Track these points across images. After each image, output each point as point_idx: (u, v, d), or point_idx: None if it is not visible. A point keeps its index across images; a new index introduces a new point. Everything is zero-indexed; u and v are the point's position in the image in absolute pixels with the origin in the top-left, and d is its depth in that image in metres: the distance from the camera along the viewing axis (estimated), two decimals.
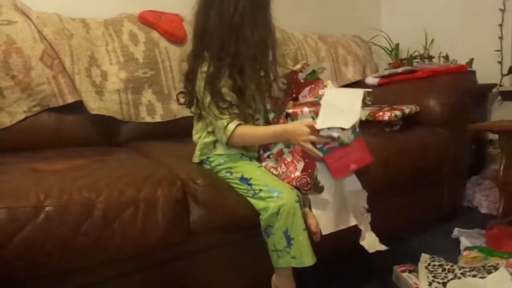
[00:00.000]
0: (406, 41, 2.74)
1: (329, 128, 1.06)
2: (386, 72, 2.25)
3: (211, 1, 1.13)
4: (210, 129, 1.21)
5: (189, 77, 1.19)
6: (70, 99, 1.55)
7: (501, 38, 2.33)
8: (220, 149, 1.21)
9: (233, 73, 1.13)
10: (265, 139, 1.19)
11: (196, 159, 1.25)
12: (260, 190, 1.10)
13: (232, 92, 1.14)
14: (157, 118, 1.71)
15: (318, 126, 1.07)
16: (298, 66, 1.28)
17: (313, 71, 1.28)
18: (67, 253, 0.92)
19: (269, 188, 1.09)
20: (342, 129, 1.06)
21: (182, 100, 1.25)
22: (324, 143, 1.09)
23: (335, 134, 1.07)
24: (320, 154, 1.10)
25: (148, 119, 1.70)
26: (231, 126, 1.11)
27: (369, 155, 1.17)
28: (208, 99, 1.12)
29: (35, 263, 0.90)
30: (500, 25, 2.32)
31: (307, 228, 1.13)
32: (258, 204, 1.10)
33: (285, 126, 1.17)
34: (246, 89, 1.14)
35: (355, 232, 1.27)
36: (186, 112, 1.67)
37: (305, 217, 1.15)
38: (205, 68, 1.13)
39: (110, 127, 1.65)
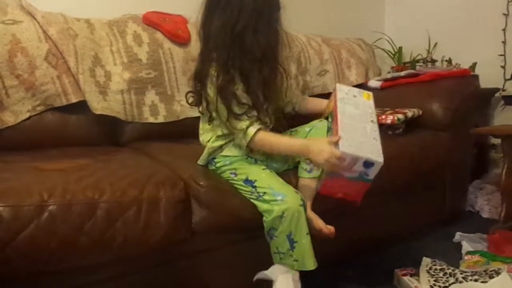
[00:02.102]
0: (409, 45, 2.74)
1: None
2: (389, 76, 2.26)
3: (214, 6, 1.14)
4: (220, 132, 1.21)
5: (198, 77, 1.18)
6: (74, 99, 1.56)
7: (504, 42, 2.33)
8: (226, 151, 1.22)
9: (242, 79, 1.14)
10: (286, 151, 1.18)
11: (202, 161, 1.26)
12: (265, 193, 1.10)
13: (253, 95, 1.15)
14: (160, 119, 1.71)
15: (343, 149, 1.03)
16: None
17: None
18: (70, 252, 0.93)
19: (274, 191, 1.09)
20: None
21: (190, 100, 1.25)
22: (343, 168, 1.06)
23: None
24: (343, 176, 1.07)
25: (151, 119, 1.70)
26: (252, 130, 1.11)
27: (360, 199, 1.15)
28: (223, 111, 1.12)
29: (38, 261, 0.90)
30: (504, 30, 2.32)
31: (319, 232, 1.14)
32: (261, 206, 1.10)
33: (309, 143, 1.12)
34: (253, 96, 1.14)
35: (355, 235, 1.27)
36: (189, 113, 1.70)
37: (312, 222, 1.16)
38: (213, 72, 1.13)
39: (114, 127, 1.66)
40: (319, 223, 1.18)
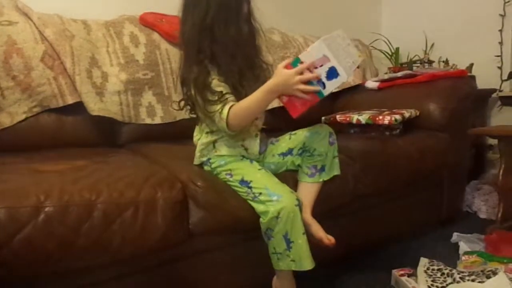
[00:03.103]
0: (406, 45, 2.75)
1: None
2: (386, 76, 2.26)
3: (187, 7, 1.17)
4: (207, 129, 1.22)
5: (182, 81, 1.20)
6: (70, 100, 1.55)
7: (501, 43, 2.34)
8: (220, 150, 1.21)
9: (217, 71, 1.14)
10: (259, 104, 1.13)
11: (196, 160, 1.26)
12: (260, 193, 1.10)
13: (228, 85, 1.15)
14: (157, 120, 1.71)
15: (321, 43, 1.02)
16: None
17: None
18: (66, 253, 0.92)
19: (269, 191, 1.09)
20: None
21: (181, 105, 1.25)
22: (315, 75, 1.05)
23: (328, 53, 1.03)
24: (318, 87, 1.05)
25: (148, 120, 1.70)
26: (225, 110, 1.11)
27: (299, 113, 1.10)
28: (201, 102, 1.14)
29: (35, 263, 0.90)
30: (500, 31, 2.33)
31: (318, 241, 1.14)
32: (258, 207, 1.10)
33: (271, 81, 1.09)
34: (230, 85, 1.14)
35: (353, 235, 1.27)
36: (186, 114, 1.69)
37: (311, 228, 1.16)
38: (191, 74, 1.15)
39: (110, 128, 1.66)
40: (320, 233, 1.16)
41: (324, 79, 1.06)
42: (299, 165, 1.27)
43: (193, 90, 1.14)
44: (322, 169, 1.24)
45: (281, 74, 1.07)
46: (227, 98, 1.12)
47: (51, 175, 1.05)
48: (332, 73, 1.05)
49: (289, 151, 1.27)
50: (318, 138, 1.23)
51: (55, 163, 1.19)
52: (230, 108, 1.10)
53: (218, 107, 1.11)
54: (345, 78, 1.06)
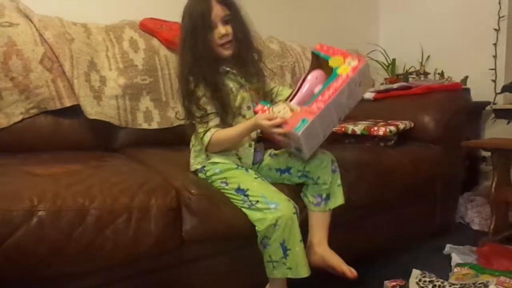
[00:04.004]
0: (402, 57, 2.77)
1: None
2: (382, 87, 2.28)
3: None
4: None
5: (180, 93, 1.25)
6: (68, 103, 1.56)
7: (495, 57, 2.36)
8: (213, 157, 1.22)
9: (206, 88, 1.19)
10: (240, 137, 1.21)
11: (192, 168, 1.27)
12: (257, 201, 1.10)
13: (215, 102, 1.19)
14: (154, 125, 1.72)
15: (300, 132, 1.06)
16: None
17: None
18: (58, 258, 0.92)
19: (267, 199, 1.09)
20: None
21: (179, 115, 1.29)
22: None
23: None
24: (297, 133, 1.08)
25: (145, 125, 1.70)
26: (207, 136, 1.18)
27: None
28: (189, 116, 1.21)
29: (26, 267, 0.90)
30: (495, 44, 2.36)
31: (341, 274, 1.15)
32: (254, 215, 1.10)
33: (252, 119, 1.16)
34: (215, 104, 1.19)
35: (345, 246, 1.27)
36: (183, 120, 1.69)
37: (332, 261, 1.18)
38: (183, 84, 1.21)
39: (107, 132, 1.66)
40: (343, 266, 1.16)
41: (293, 149, 1.18)
42: (303, 193, 1.27)
43: (184, 101, 1.20)
44: (328, 197, 1.24)
45: (261, 123, 1.11)
46: (209, 121, 1.18)
47: (45, 178, 1.05)
48: (298, 150, 1.16)
49: (287, 169, 1.28)
50: (321, 166, 1.23)
51: (50, 166, 1.19)
52: (212, 135, 1.17)
53: (201, 130, 1.19)
54: (307, 156, 1.18)
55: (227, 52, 1.21)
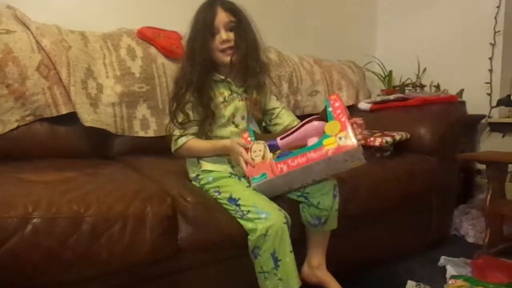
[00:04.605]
0: (399, 69, 2.79)
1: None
2: (378, 98, 2.29)
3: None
4: None
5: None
6: (64, 110, 1.55)
7: (491, 71, 2.39)
8: (206, 165, 1.23)
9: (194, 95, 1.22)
10: (211, 154, 1.23)
11: (190, 176, 1.28)
12: (249, 211, 1.10)
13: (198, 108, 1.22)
14: (150, 133, 1.71)
15: (255, 184, 1.14)
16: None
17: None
18: (53, 265, 0.91)
19: (258, 209, 1.09)
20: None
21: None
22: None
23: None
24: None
25: (141, 133, 1.70)
26: (181, 140, 1.22)
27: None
28: (172, 116, 1.24)
29: (21, 274, 0.89)
30: (490, 59, 2.38)
31: None
32: (246, 225, 1.10)
33: (225, 142, 1.21)
34: (199, 112, 1.22)
35: (340, 257, 1.27)
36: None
37: (329, 286, 1.22)
38: (175, 89, 1.26)
39: (103, 140, 1.65)
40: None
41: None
42: (301, 209, 1.26)
43: (171, 103, 1.24)
44: (326, 222, 1.24)
45: (234, 148, 1.17)
46: (188, 128, 1.22)
47: (40, 185, 1.04)
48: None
49: None
50: (322, 191, 1.21)
51: (45, 173, 1.19)
52: (187, 141, 1.22)
53: (177, 133, 1.22)
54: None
55: (226, 59, 1.22)
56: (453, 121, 1.90)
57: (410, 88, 2.58)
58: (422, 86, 2.55)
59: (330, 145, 1.04)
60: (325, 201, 1.21)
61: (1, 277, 0.87)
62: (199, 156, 1.25)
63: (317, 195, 1.21)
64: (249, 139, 1.18)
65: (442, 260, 1.73)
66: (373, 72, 2.87)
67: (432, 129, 1.83)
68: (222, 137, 1.25)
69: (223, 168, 1.23)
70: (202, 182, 1.22)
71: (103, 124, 1.60)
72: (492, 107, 2.37)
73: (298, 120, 1.33)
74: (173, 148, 1.25)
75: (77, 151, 1.58)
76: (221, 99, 1.24)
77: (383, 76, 2.84)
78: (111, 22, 1.87)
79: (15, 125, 1.50)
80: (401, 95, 2.24)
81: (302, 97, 2.21)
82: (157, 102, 1.74)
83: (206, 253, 1.17)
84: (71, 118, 1.55)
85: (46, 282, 0.94)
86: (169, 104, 1.25)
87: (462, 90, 2.39)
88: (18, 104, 1.49)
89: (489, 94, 2.38)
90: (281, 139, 1.18)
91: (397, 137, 1.76)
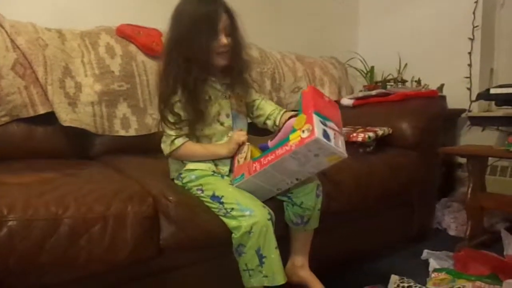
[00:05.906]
0: (381, 65, 2.82)
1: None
2: (360, 94, 2.31)
3: (171, 21, 1.21)
4: None
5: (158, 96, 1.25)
6: (41, 110, 1.52)
7: (470, 65, 2.42)
8: (189, 164, 1.21)
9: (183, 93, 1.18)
10: (206, 158, 1.22)
11: (171, 175, 1.26)
12: (232, 208, 1.09)
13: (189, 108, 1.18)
14: (131, 132, 1.69)
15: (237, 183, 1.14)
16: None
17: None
18: (30, 269, 0.89)
19: (241, 206, 1.08)
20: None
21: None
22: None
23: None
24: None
25: (122, 132, 1.67)
26: (178, 142, 1.19)
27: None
28: (161, 117, 1.20)
29: None
30: (469, 53, 2.42)
31: None
32: (230, 223, 1.09)
33: (220, 152, 1.22)
34: (188, 111, 1.19)
35: (323, 252, 1.27)
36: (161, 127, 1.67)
37: (312, 286, 1.22)
38: (161, 88, 1.21)
39: (83, 139, 1.62)
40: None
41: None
42: (285, 207, 1.25)
43: (160, 104, 1.20)
44: (308, 221, 1.24)
45: (225, 153, 1.20)
46: (181, 128, 1.19)
47: (16, 187, 1.01)
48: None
49: None
50: (305, 191, 1.21)
51: (22, 175, 1.16)
52: (184, 142, 1.19)
53: (173, 133, 1.19)
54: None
55: (222, 62, 1.21)
56: (434, 116, 1.92)
57: (392, 83, 2.60)
58: (403, 82, 2.58)
59: (294, 140, 1.03)
60: (308, 200, 1.21)
61: None
62: (192, 160, 1.22)
63: (300, 194, 1.21)
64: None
65: (425, 253, 1.74)
66: (355, 68, 2.89)
67: (413, 123, 1.84)
68: (208, 136, 1.23)
69: (206, 167, 1.21)
70: (184, 181, 1.20)
71: (82, 123, 1.57)
72: (472, 101, 2.41)
73: (280, 108, 1.35)
74: (168, 149, 1.20)
75: (56, 152, 1.55)
76: (206, 97, 1.23)
77: (365, 72, 2.86)
78: (89, 19, 1.83)
79: None
80: (383, 90, 2.25)
81: (285, 94, 2.21)
82: (138, 100, 1.72)
83: (189, 252, 1.15)
84: (49, 118, 1.52)
85: (24, 286, 0.91)
86: (158, 105, 1.21)
87: (442, 85, 2.42)
88: None
89: (469, 89, 2.42)
90: (271, 140, 1.17)
91: (380, 132, 1.77)
